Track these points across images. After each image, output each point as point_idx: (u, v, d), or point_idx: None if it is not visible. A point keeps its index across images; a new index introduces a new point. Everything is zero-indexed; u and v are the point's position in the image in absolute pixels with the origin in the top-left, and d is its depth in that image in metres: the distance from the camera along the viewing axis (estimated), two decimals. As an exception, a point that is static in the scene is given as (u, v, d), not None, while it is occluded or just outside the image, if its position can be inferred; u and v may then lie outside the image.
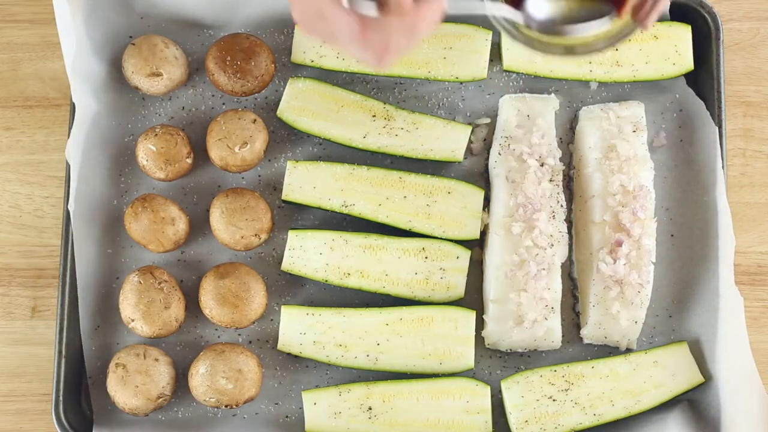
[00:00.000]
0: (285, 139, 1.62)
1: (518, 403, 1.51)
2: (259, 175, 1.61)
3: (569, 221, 1.59)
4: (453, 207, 1.56)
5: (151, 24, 1.63)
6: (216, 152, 1.56)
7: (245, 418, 1.54)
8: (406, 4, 1.17)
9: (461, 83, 1.63)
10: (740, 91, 1.65)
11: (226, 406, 1.49)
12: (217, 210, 1.54)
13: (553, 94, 1.61)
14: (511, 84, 1.63)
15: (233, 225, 1.53)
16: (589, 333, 1.53)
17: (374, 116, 1.59)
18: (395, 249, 1.54)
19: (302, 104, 1.59)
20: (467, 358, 1.52)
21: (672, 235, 1.59)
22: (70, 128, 1.56)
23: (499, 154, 1.56)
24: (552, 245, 1.51)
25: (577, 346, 1.57)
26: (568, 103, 1.63)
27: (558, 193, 1.54)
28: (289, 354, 1.55)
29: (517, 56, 1.60)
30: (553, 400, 1.51)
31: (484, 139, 1.62)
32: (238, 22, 1.63)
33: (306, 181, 1.56)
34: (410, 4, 1.18)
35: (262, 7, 1.62)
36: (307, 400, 1.51)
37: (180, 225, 1.55)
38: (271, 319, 1.57)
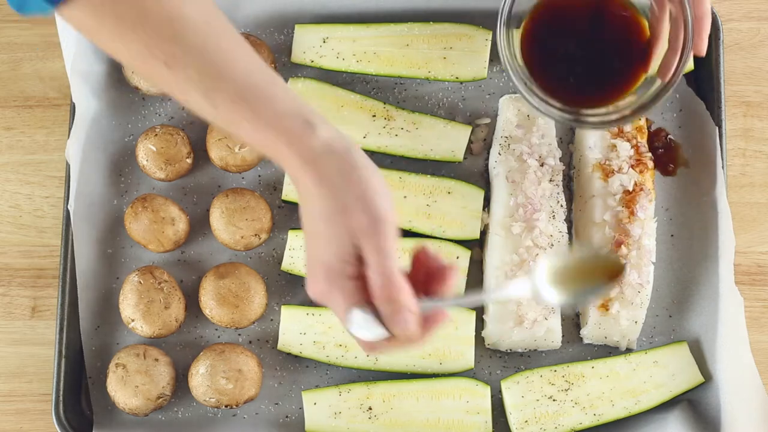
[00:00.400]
0: (285, 139, 1.61)
1: (518, 403, 1.51)
2: (259, 175, 1.60)
3: (569, 221, 1.59)
4: (453, 207, 1.56)
5: (151, 24, 1.63)
6: (216, 152, 1.56)
7: (245, 418, 1.54)
8: (415, 335, 1.11)
9: (461, 83, 1.62)
10: (740, 91, 1.65)
11: (226, 406, 1.49)
12: (217, 210, 1.54)
13: (553, 94, 1.60)
14: (511, 84, 1.62)
15: (233, 225, 1.53)
16: (589, 333, 1.53)
17: (374, 116, 1.58)
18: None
19: (302, 104, 1.59)
20: (467, 358, 1.52)
21: (672, 235, 1.59)
22: (70, 128, 1.56)
23: (499, 154, 1.56)
24: (552, 245, 1.51)
25: (577, 346, 1.57)
26: (568, 103, 1.62)
27: (558, 193, 1.54)
28: (289, 354, 1.55)
29: (517, 56, 1.60)
30: (553, 400, 1.51)
31: (484, 139, 1.62)
32: (238, 22, 1.63)
33: (306, 181, 1.56)
34: (419, 331, 1.11)
35: (262, 7, 1.62)
36: (307, 400, 1.51)
37: (180, 225, 1.54)
38: (271, 319, 1.57)
